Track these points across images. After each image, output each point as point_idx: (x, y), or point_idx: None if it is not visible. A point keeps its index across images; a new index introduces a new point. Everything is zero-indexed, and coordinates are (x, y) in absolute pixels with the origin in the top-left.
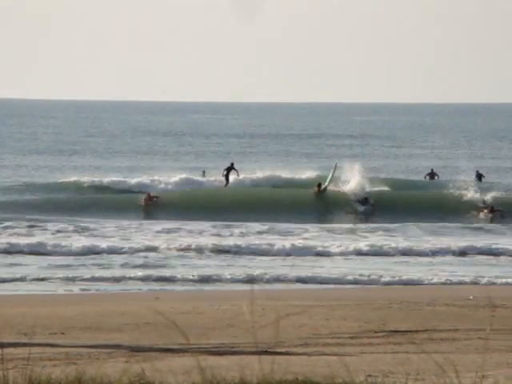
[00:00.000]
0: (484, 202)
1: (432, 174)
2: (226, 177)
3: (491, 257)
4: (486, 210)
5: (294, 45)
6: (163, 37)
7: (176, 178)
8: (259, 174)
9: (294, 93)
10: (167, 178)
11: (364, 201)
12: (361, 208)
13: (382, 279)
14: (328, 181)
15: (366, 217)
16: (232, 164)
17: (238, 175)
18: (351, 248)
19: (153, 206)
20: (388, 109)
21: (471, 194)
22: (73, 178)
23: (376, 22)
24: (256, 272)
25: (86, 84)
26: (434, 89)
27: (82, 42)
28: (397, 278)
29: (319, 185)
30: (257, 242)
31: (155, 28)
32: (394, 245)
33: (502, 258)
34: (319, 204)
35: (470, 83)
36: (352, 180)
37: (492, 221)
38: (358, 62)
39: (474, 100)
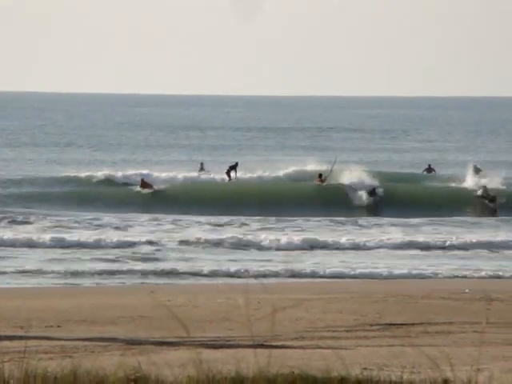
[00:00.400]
0: (486, 192)
1: (429, 170)
2: (228, 174)
3: (490, 250)
4: (487, 201)
5: (293, 45)
6: (163, 37)
7: (174, 171)
8: (265, 171)
9: (293, 91)
10: (165, 171)
11: (372, 192)
12: (369, 199)
13: (378, 272)
14: (328, 174)
15: (373, 208)
16: (236, 163)
17: (235, 176)
18: (353, 241)
19: (151, 194)
20: (386, 102)
21: (471, 186)
22: (71, 172)
23: (376, 20)
24: (253, 265)
25: (86, 84)
26: (434, 82)
27: (81, 40)
28: (392, 271)
29: (320, 175)
30: (255, 236)
31: (155, 28)
32: (392, 238)
33: (501, 251)
34: (324, 196)
35: (469, 77)
36: (353, 173)
37: (494, 211)
38: (357, 59)
39: (474, 93)
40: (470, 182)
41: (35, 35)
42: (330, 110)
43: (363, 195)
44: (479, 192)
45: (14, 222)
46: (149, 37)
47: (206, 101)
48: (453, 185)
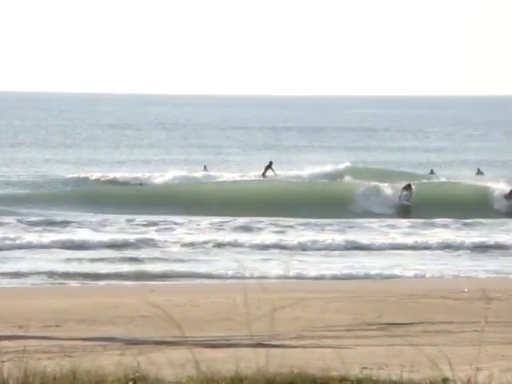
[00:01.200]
0: (504, 191)
1: (432, 173)
2: (264, 175)
3: (492, 249)
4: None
5: (293, 43)
6: (162, 36)
7: (176, 171)
8: (296, 171)
9: (294, 88)
10: (167, 171)
11: (407, 187)
12: (405, 193)
13: (376, 273)
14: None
15: (407, 204)
16: (271, 163)
17: (275, 174)
18: (355, 242)
19: (152, 194)
20: (384, 102)
21: (487, 185)
22: (70, 173)
23: (374, 18)
24: (251, 266)
25: (87, 80)
26: (434, 81)
27: (81, 38)
28: (393, 272)
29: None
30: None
31: (155, 26)
32: (396, 238)
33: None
34: (347, 197)
35: (467, 76)
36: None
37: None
38: (357, 59)
39: (472, 92)
40: (484, 180)
41: (36, 32)
42: (330, 109)
43: (402, 191)
44: (497, 191)
45: (15, 223)
46: (149, 35)
47: (206, 100)
48: (472, 184)
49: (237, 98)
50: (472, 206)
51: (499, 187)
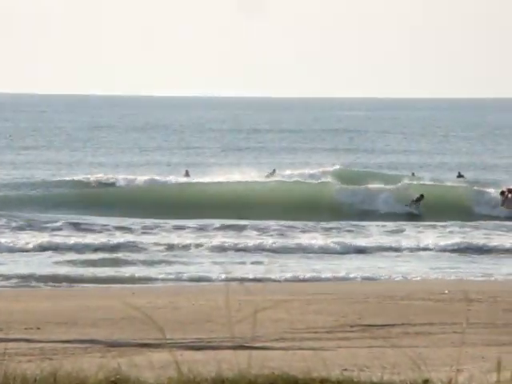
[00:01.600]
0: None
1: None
2: None
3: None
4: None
5: (292, 43)
6: (163, 35)
7: (159, 175)
8: (283, 172)
9: (291, 91)
10: (149, 174)
11: (420, 197)
12: (418, 204)
13: (356, 274)
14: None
15: (417, 214)
16: (274, 170)
17: None
18: (347, 245)
19: (137, 197)
20: (371, 104)
21: (472, 187)
22: (46, 175)
23: (369, 19)
24: (237, 269)
25: (85, 81)
26: (423, 83)
27: (79, 39)
28: (374, 273)
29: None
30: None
31: (157, 26)
32: (380, 241)
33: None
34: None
35: (456, 78)
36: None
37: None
38: (352, 57)
39: (457, 95)
40: (472, 183)
41: (34, 33)
42: (309, 111)
43: (414, 202)
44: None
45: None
46: (131, 36)
47: (188, 102)
48: (466, 185)
49: (219, 100)
50: (455, 208)
51: (484, 189)
